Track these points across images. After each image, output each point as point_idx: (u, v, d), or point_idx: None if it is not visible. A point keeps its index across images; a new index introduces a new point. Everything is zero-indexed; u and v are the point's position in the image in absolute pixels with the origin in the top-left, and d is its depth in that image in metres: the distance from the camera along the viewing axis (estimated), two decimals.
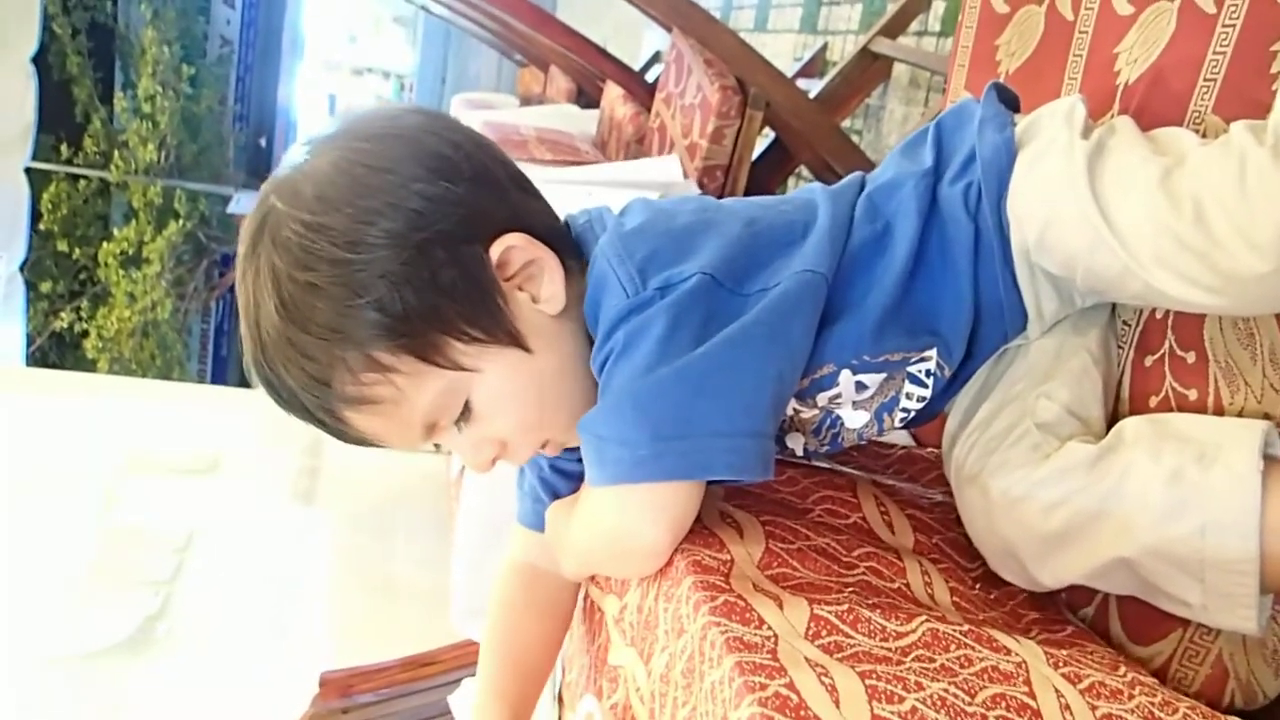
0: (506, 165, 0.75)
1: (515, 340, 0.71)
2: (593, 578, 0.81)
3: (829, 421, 0.78)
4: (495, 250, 0.71)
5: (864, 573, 0.70)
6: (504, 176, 0.74)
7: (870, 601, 0.64)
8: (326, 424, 0.71)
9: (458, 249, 0.69)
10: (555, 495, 0.84)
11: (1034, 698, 0.58)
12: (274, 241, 0.68)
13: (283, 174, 0.71)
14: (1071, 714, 0.57)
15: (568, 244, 0.76)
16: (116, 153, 7.15)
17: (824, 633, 0.59)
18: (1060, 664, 0.62)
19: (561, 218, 0.79)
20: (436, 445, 0.75)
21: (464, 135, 0.74)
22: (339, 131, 0.72)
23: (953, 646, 0.61)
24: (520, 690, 0.85)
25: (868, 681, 0.54)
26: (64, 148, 7.03)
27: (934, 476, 0.88)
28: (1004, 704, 0.56)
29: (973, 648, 0.61)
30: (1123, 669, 0.65)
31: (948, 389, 0.78)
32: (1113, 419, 0.76)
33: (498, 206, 0.72)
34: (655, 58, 4.06)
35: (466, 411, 0.71)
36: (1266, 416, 0.67)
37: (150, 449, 3.16)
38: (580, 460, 0.73)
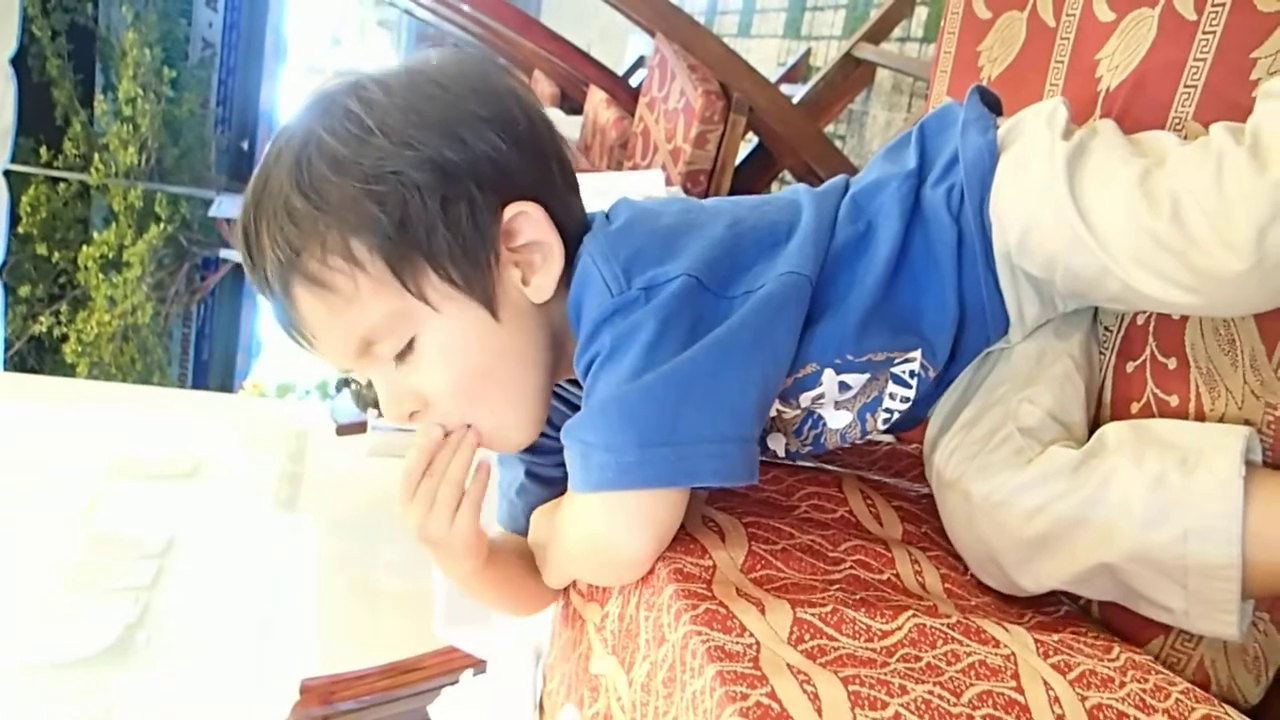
0: (561, 155, 0.76)
1: (487, 302, 0.70)
2: (575, 585, 0.80)
3: (811, 422, 0.77)
4: (509, 211, 0.70)
5: (851, 566, 0.70)
6: (555, 162, 0.75)
7: (857, 598, 0.64)
8: (275, 295, 0.70)
9: (479, 192, 0.69)
10: (532, 500, 0.83)
11: (1022, 692, 0.57)
12: (323, 105, 0.69)
13: (361, 68, 0.73)
14: (1061, 706, 0.57)
15: (579, 246, 0.75)
16: (97, 156, 7.11)
17: (807, 636, 0.58)
18: (1050, 653, 0.62)
19: None
20: (355, 382, 0.75)
21: (532, 106, 0.74)
22: (427, 55, 0.74)
23: (940, 642, 0.60)
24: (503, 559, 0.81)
25: (850, 687, 0.54)
26: (44, 150, 6.99)
27: (919, 473, 0.88)
28: (991, 701, 0.56)
29: (960, 642, 0.61)
30: (1116, 650, 0.65)
31: (931, 392, 0.78)
32: (1095, 424, 0.76)
33: (531, 176, 0.72)
34: (639, 62, 4.06)
35: (409, 349, 0.70)
36: (1247, 422, 0.67)
37: (130, 454, 3.13)
38: (559, 466, 0.73)
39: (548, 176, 0.74)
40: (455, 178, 0.68)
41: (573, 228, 0.74)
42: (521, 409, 0.74)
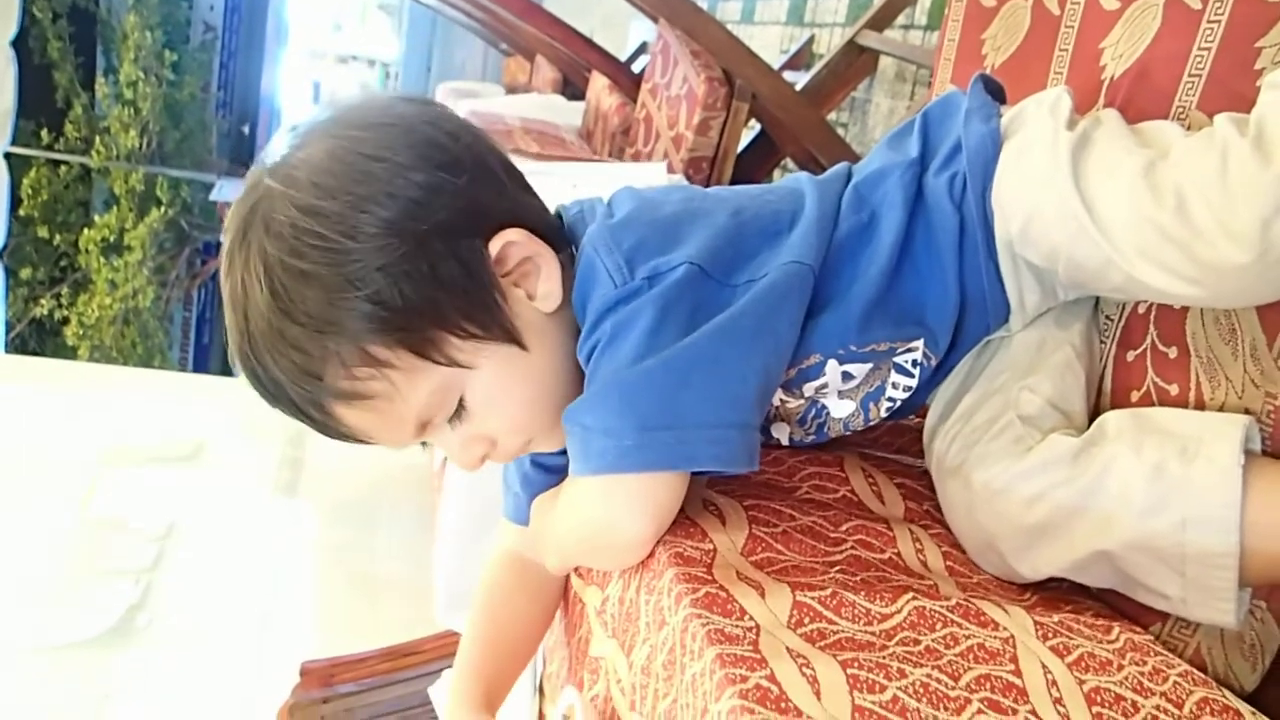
0: (502, 158, 0.74)
1: (512, 337, 0.70)
2: (576, 569, 0.81)
3: (814, 411, 0.78)
4: (495, 245, 0.69)
5: (852, 546, 0.70)
6: (500, 169, 0.73)
7: (857, 579, 0.65)
8: (314, 418, 0.69)
9: (457, 242, 0.68)
10: (536, 490, 0.84)
11: (1020, 676, 0.58)
12: (266, 227, 0.66)
13: (274, 160, 0.69)
14: (1058, 689, 0.58)
15: (561, 237, 0.76)
16: (98, 139, 7.09)
17: (806, 620, 0.59)
18: (1049, 635, 0.62)
19: (553, 209, 0.79)
20: (424, 443, 0.74)
21: (460, 126, 0.72)
22: (332, 119, 0.70)
23: (939, 625, 0.61)
24: (497, 670, 0.84)
25: (849, 671, 0.54)
26: (45, 133, 6.96)
27: (921, 448, 0.88)
28: (989, 685, 0.57)
29: (959, 625, 0.61)
30: (1115, 631, 0.65)
31: (932, 379, 0.79)
32: (1094, 413, 0.76)
33: (497, 200, 0.71)
34: (642, 49, 4.05)
35: (461, 409, 0.70)
36: (1247, 411, 0.67)
37: (131, 438, 3.14)
38: (562, 454, 0.73)
39: (505, 192, 0.73)
40: (431, 242, 0.66)
41: (546, 224, 0.74)
42: None
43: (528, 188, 0.76)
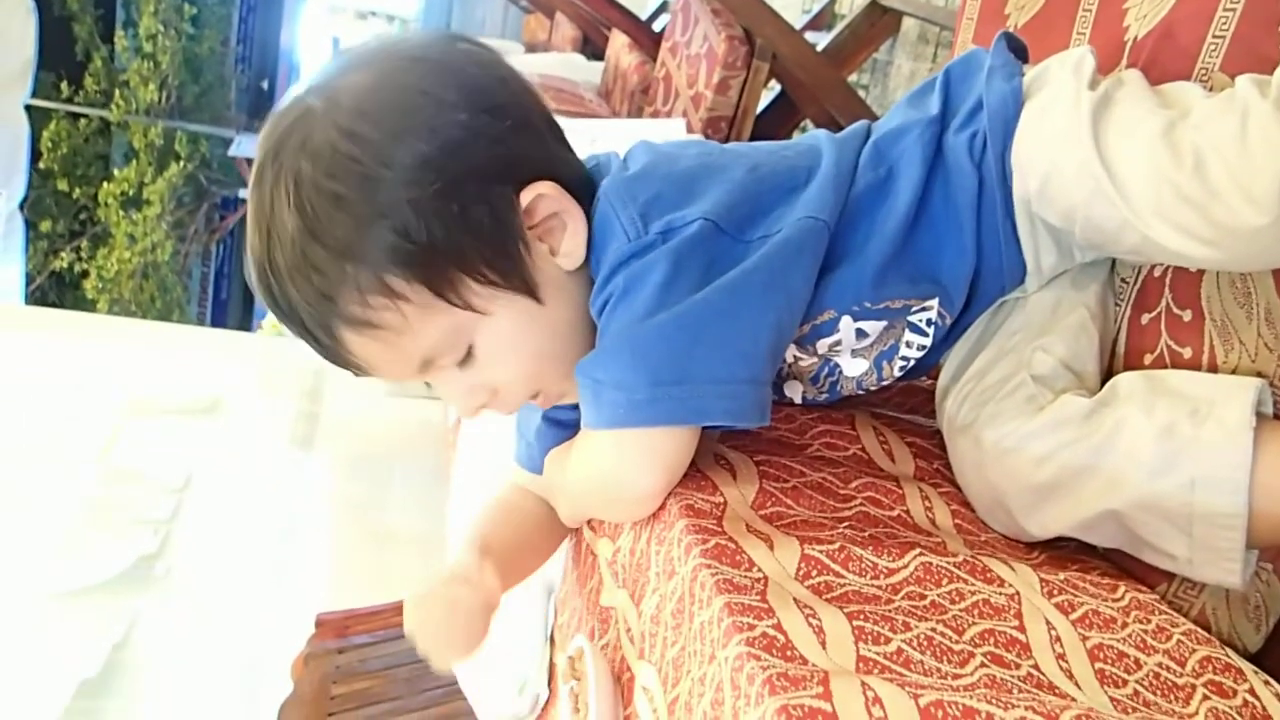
0: (545, 112, 0.74)
1: (529, 290, 0.70)
2: (588, 521, 0.81)
3: (827, 369, 0.78)
4: (526, 196, 0.69)
5: (862, 503, 0.71)
6: (542, 123, 0.73)
7: (865, 535, 0.65)
8: (321, 341, 0.69)
9: (490, 188, 0.68)
10: (549, 443, 0.84)
11: (1024, 631, 0.59)
12: (303, 145, 0.65)
13: (320, 81, 0.68)
14: (1062, 645, 0.58)
15: (589, 197, 0.75)
16: (117, 92, 7.10)
17: (814, 573, 0.60)
18: (1055, 592, 0.63)
19: None
20: (426, 383, 0.74)
21: (510, 73, 0.72)
22: (384, 49, 0.70)
23: (945, 580, 0.61)
24: (503, 559, 0.79)
25: (855, 622, 0.55)
26: (64, 86, 6.98)
27: (933, 409, 0.88)
28: (993, 639, 0.57)
29: (965, 580, 0.62)
30: (1121, 590, 0.66)
31: (946, 339, 0.79)
32: (1108, 375, 0.76)
33: (535, 151, 0.71)
34: (662, 7, 4.01)
35: (469, 355, 0.70)
36: (1259, 375, 0.67)
37: (151, 391, 3.16)
38: (575, 408, 0.73)
39: (545, 144, 0.73)
40: (465, 184, 0.66)
41: (577, 182, 0.74)
42: None
43: (566, 144, 0.76)
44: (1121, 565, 0.73)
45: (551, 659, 0.94)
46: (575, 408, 0.76)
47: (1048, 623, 0.60)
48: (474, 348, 0.70)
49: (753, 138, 2.14)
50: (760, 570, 0.59)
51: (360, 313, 0.66)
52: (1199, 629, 0.64)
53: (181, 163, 7.16)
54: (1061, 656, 0.58)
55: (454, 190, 0.66)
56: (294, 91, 0.69)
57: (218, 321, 8.34)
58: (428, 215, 0.65)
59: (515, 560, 0.82)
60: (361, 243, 0.64)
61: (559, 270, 0.72)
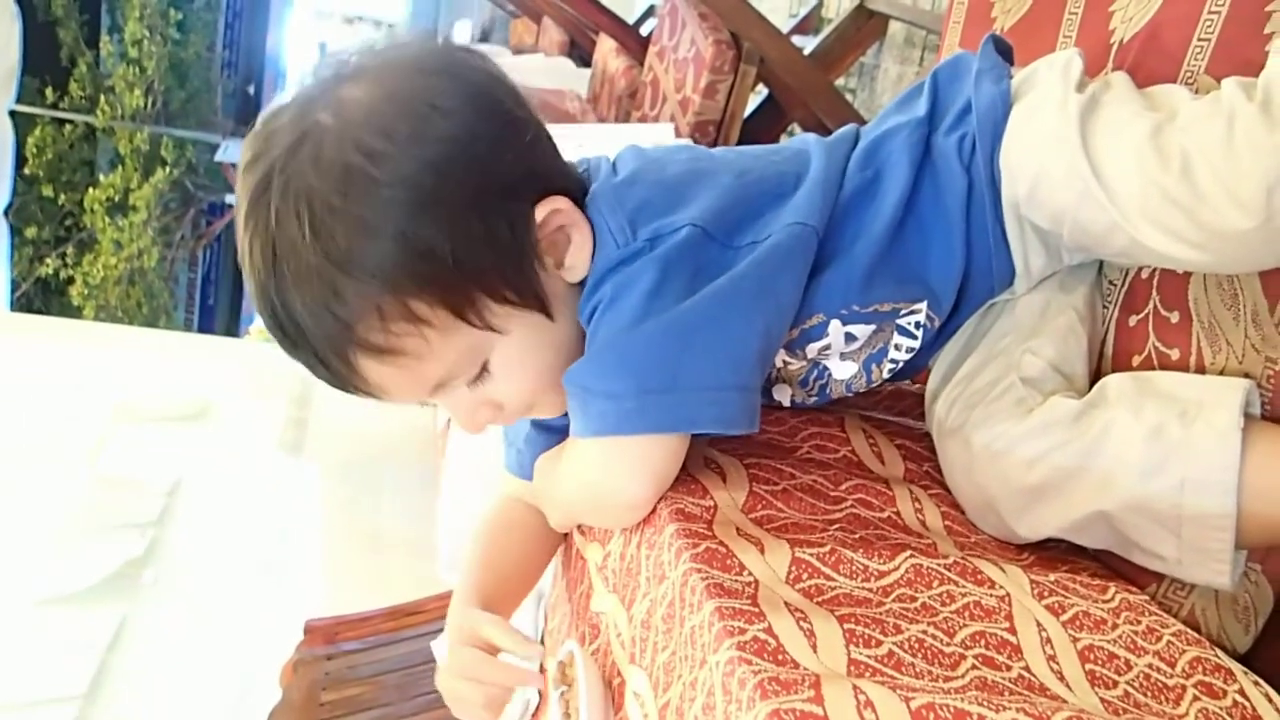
0: (540, 123, 0.72)
1: (542, 306, 0.69)
2: (578, 526, 0.81)
3: (817, 373, 0.78)
4: (541, 211, 0.68)
5: (852, 505, 0.71)
6: (543, 132, 0.72)
7: (856, 537, 0.65)
8: (333, 368, 0.66)
9: (511, 204, 0.66)
10: (538, 448, 0.84)
11: (1015, 633, 0.59)
12: (315, 160, 0.62)
13: (318, 91, 0.65)
14: (1052, 646, 0.58)
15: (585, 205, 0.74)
16: (103, 97, 7.07)
17: (805, 576, 0.60)
18: (1045, 594, 0.63)
19: None
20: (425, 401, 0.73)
21: (514, 83, 0.71)
22: (387, 60, 0.67)
23: (935, 583, 0.62)
24: (496, 590, 0.81)
25: (846, 626, 0.55)
26: (49, 91, 6.94)
27: (922, 412, 0.88)
28: (984, 642, 0.57)
29: (956, 583, 0.62)
30: (1111, 591, 0.66)
31: (934, 341, 0.79)
32: (1096, 377, 0.77)
33: (548, 164, 0.71)
34: (650, 11, 4.01)
35: (483, 372, 0.69)
36: (1247, 376, 0.67)
37: (139, 397, 3.15)
38: (565, 414, 0.73)
39: (549, 156, 0.72)
40: (490, 201, 0.64)
41: (578, 191, 0.73)
42: None
43: (558, 150, 0.74)
44: (1111, 566, 0.73)
45: (541, 664, 0.93)
46: (566, 413, 0.76)
47: (1038, 624, 0.60)
48: (488, 365, 0.69)
49: (740, 142, 2.15)
50: (751, 574, 0.59)
51: (382, 340, 0.64)
52: (1189, 630, 0.65)
53: (168, 168, 7.14)
54: (1052, 658, 0.58)
55: (479, 210, 0.64)
56: (286, 103, 0.66)
57: (205, 327, 8.31)
58: (454, 237, 0.63)
59: (516, 584, 0.84)
60: (386, 266, 0.62)
61: (563, 284, 0.71)
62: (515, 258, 0.67)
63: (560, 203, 0.69)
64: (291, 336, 0.65)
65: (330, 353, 0.65)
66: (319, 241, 0.61)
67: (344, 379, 0.67)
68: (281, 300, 0.63)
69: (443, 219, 0.63)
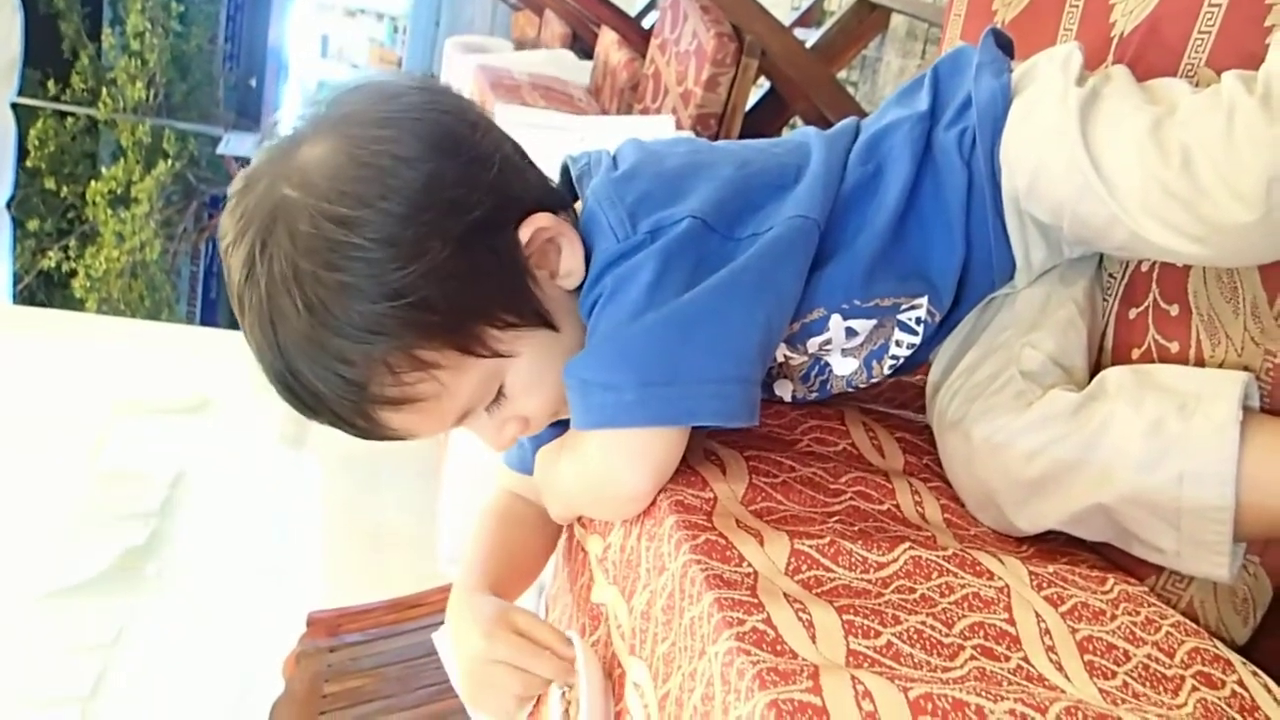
0: (508, 139, 0.73)
1: (545, 321, 0.70)
2: (579, 518, 0.82)
3: (818, 368, 0.78)
4: (524, 232, 0.69)
5: (851, 498, 0.71)
6: (515, 152, 0.72)
7: (855, 529, 0.66)
8: (357, 426, 0.68)
9: (494, 236, 0.67)
10: (539, 441, 0.84)
11: (1013, 624, 0.59)
12: (292, 239, 0.62)
13: (280, 160, 0.66)
14: (1051, 637, 0.59)
15: (567, 202, 0.75)
16: (104, 90, 7.07)
17: (804, 567, 0.60)
18: (1044, 585, 0.63)
19: (561, 160, 0.79)
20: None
21: (476, 113, 0.71)
22: (342, 115, 0.67)
23: (934, 574, 0.62)
24: (499, 578, 0.81)
25: (845, 616, 0.55)
26: (51, 84, 6.94)
27: (923, 404, 0.88)
28: (983, 632, 0.58)
29: (955, 574, 0.62)
30: (1110, 583, 0.66)
31: (935, 336, 0.79)
32: (1096, 369, 0.77)
33: (522, 187, 0.71)
34: (651, 4, 4.00)
35: (500, 395, 0.70)
36: (1246, 369, 0.67)
37: (140, 390, 3.15)
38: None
39: (525, 175, 0.72)
40: (471, 241, 0.65)
41: (555, 197, 0.74)
42: None
43: (531, 162, 0.75)
44: (1110, 558, 0.73)
45: None
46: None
47: (1037, 615, 0.60)
48: (504, 388, 0.70)
49: (742, 135, 2.14)
50: (750, 565, 0.59)
51: (396, 392, 0.65)
52: (1187, 621, 0.65)
53: (170, 161, 7.14)
54: (1051, 649, 0.58)
55: (462, 250, 0.65)
56: (252, 172, 0.66)
57: (207, 320, 8.32)
58: (443, 281, 0.64)
59: (519, 576, 0.84)
60: (384, 325, 0.63)
61: (562, 291, 0.72)
62: (509, 283, 0.68)
63: (541, 219, 0.69)
64: (310, 405, 0.67)
65: (350, 414, 0.67)
66: (314, 315, 0.63)
67: (369, 433, 0.69)
68: (292, 373, 0.65)
69: (428, 267, 0.63)
